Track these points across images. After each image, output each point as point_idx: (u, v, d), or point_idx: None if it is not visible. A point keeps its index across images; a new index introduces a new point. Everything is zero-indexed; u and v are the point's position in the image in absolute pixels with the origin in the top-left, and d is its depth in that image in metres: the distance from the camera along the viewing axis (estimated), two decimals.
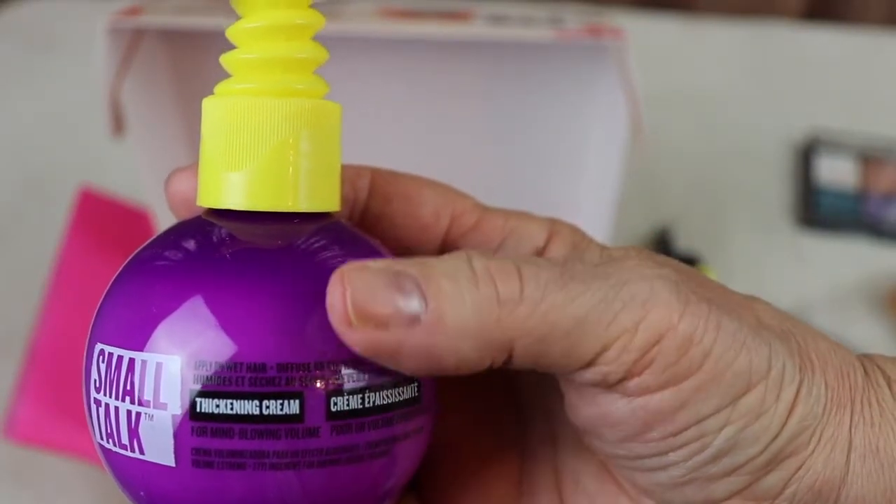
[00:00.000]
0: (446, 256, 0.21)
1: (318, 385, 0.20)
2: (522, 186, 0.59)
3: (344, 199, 0.24)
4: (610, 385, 0.21)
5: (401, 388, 0.21)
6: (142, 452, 0.20)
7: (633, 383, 0.21)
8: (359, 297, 0.20)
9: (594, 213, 0.54)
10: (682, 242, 0.67)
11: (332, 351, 0.20)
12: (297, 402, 0.20)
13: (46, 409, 0.50)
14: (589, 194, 0.56)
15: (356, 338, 0.20)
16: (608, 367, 0.20)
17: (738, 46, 0.86)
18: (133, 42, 0.49)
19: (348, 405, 0.20)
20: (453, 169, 0.60)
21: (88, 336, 0.22)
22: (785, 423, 0.21)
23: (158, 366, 0.20)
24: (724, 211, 0.70)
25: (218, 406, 0.19)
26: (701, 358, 0.20)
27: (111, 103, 0.47)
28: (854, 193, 0.71)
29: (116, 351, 0.20)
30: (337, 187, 0.23)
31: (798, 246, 0.68)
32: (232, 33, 0.22)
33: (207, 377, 0.19)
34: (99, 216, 0.56)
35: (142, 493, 0.21)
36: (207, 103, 0.23)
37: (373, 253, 0.23)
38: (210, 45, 0.53)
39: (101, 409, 0.21)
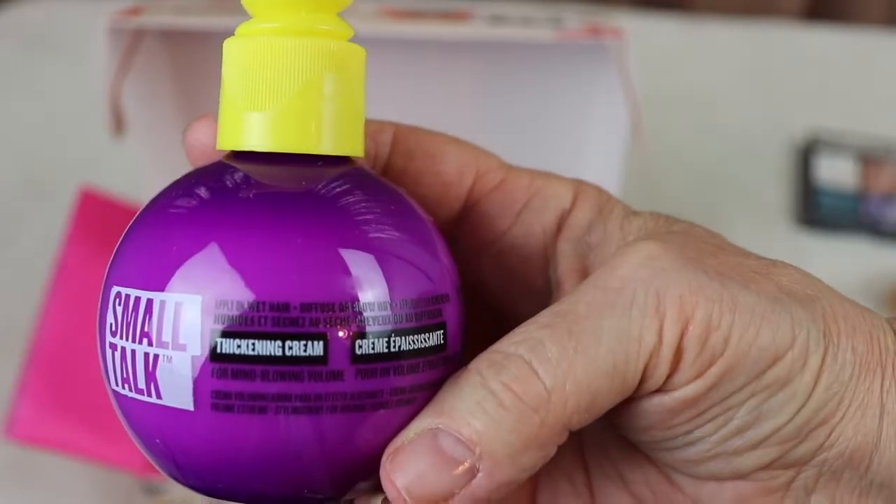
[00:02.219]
0: (459, 387, 0.20)
1: (343, 327, 0.19)
2: None
3: (366, 154, 0.23)
4: (651, 393, 0.21)
5: (427, 335, 0.21)
6: (159, 397, 0.20)
7: (668, 384, 0.20)
8: (413, 489, 0.19)
9: None
10: None
11: (357, 293, 0.20)
12: (321, 343, 0.19)
13: (46, 409, 0.50)
14: None
15: None
16: (649, 382, 0.20)
17: (738, 46, 0.86)
18: (133, 42, 0.49)
19: (373, 348, 0.20)
20: None
21: (104, 280, 0.21)
22: (812, 392, 0.20)
23: (178, 306, 0.19)
24: (724, 211, 0.70)
25: (239, 346, 0.19)
26: (722, 343, 0.20)
27: (111, 103, 0.47)
28: (854, 193, 0.71)
29: (134, 292, 0.20)
30: (361, 132, 0.22)
31: (798, 246, 0.68)
32: None
33: (229, 317, 0.19)
34: (99, 216, 0.56)
35: (157, 441, 0.20)
36: (229, 44, 0.22)
37: (397, 199, 0.22)
38: (210, 45, 0.53)
39: (118, 354, 0.20)
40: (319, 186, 0.21)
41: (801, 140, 0.76)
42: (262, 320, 0.19)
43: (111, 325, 0.20)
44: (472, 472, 0.19)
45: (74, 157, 0.73)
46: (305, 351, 0.19)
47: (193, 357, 0.19)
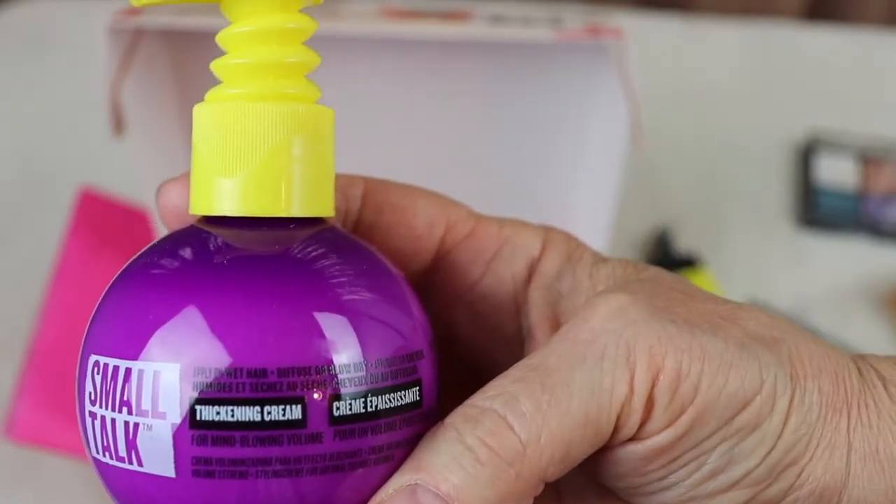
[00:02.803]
0: (436, 442, 0.20)
1: (320, 390, 0.20)
2: (522, 186, 0.59)
3: (336, 209, 0.24)
4: (623, 443, 0.21)
5: (402, 392, 0.21)
6: (140, 464, 0.20)
7: (641, 432, 0.21)
8: None
9: (594, 213, 0.54)
10: (682, 242, 0.67)
11: (332, 356, 0.20)
12: (299, 407, 0.19)
13: (46, 409, 0.50)
14: (589, 194, 0.56)
15: None
16: (621, 432, 0.21)
17: (738, 46, 0.86)
18: (133, 42, 0.49)
19: (350, 409, 0.20)
20: (453, 169, 0.60)
21: (81, 349, 0.21)
22: (780, 435, 0.21)
23: (156, 374, 0.19)
24: (724, 211, 0.70)
25: (218, 413, 0.19)
26: (692, 391, 0.20)
27: (111, 103, 0.47)
28: (854, 193, 0.71)
29: (112, 361, 0.20)
30: (331, 192, 0.23)
31: (798, 246, 0.68)
32: (222, 38, 0.22)
33: (207, 384, 0.19)
34: (99, 216, 0.56)
35: None
36: (198, 110, 0.22)
37: (369, 258, 0.22)
38: (210, 45, 0.53)
39: (97, 422, 0.20)
40: (292, 250, 0.21)
41: (801, 140, 0.76)
42: (240, 386, 0.19)
43: (90, 393, 0.21)
44: None
45: (74, 157, 0.73)
46: (284, 415, 0.19)
47: (173, 425, 0.19)
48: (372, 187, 0.25)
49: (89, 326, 0.22)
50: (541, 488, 0.20)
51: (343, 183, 0.24)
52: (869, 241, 0.68)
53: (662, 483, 0.21)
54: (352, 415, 0.20)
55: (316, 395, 0.20)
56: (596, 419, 0.20)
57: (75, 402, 0.22)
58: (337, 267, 0.21)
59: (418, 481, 0.20)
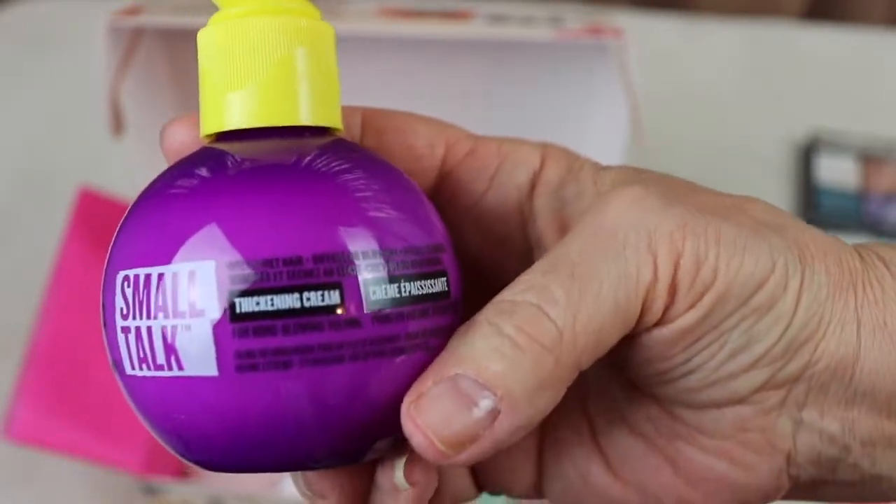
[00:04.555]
0: (472, 336, 0.21)
1: (355, 275, 0.20)
2: None
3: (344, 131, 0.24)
4: (651, 327, 0.22)
5: (432, 281, 0.21)
6: (181, 368, 0.20)
7: (666, 316, 0.21)
8: (440, 431, 0.20)
9: None
10: None
11: (364, 242, 0.20)
12: (336, 292, 0.19)
13: (46, 409, 0.50)
14: None
15: (461, 460, 0.20)
16: (647, 316, 0.21)
17: (738, 46, 0.86)
18: (133, 42, 0.49)
19: (386, 294, 0.20)
20: None
21: (105, 270, 0.21)
22: (795, 312, 0.22)
23: (191, 274, 0.19)
24: None
25: (258, 304, 0.19)
26: (712, 274, 0.21)
27: (111, 103, 0.47)
28: (855, 193, 0.71)
29: (143, 270, 0.20)
30: (338, 106, 0.23)
31: None
32: None
33: (244, 276, 0.19)
34: (98, 216, 0.56)
35: (182, 417, 0.20)
36: (203, 33, 0.23)
37: (383, 164, 0.23)
38: None
39: (132, 336, 0.20)
40: (311, 153, 0.21)
41: (801, 140, 0.76)
42: (278, 275, 0.19)
43: (121, 309, 0.20)
44: (495, 414, 0.20)
45: (74, 157, 0.73)
46: (323, 300, 0.19)
47: (213, 321, 0.19)
48: (370, 114, 0.25)
49: (112, 248, 0.21)
50: (575, 376, 0.21)
51: (342, 114, 0.24)
52: (870, 241, 0.68)
53: (687, 366, 0.22)
54: (387, 299, 0.20)
55: (352, 280, 0.20)
56: (625, 305, 0.21)
57: (101, 325, 0.21)
58: (356, 168, 0.21)
59: (460, 371, 0.20)
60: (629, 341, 0.22)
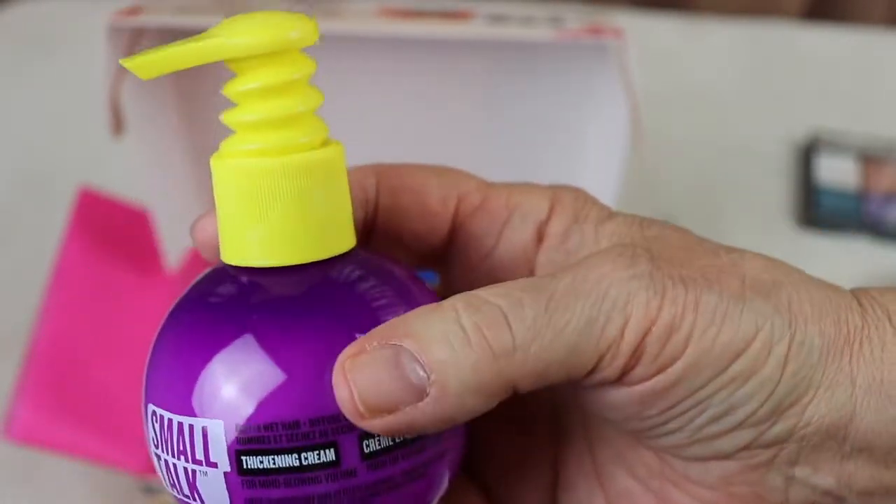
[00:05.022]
0: (432, 316, 0.21)
1: (350, 432, 0.21)
2: None
3: (356, 201, 0.25)
4: (607, 384, 0.22)
5: None
6: (203, 503, 0.22)
7: (627, 378, 0.22)
8: (365, 391, 0.21)
9: None
10: None
11: None
12: (332, 450, 0.21)
13: (46, 409, 0.50)
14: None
15: (372, 426, 0.21)
16: (603, 373, 0.22)
17: (738, 46, 0.86)
18: (133, 42, 0.49)
19: (380, 444, 0.22)
20: None
21: (142, 392, 0.23)
22: (779, 380, 0.21)
23: (204, 430, 0.22)
24: (724, 211, 0.70)
25: (261, 462, 0.21)
26: (684, 342, 0.21)
27: (111, 103, 0.47)
28: (855, 193, 0.71)
29: (166, 414, 0.22)
30: (350, 225, 0.24)
31: (798, 246, 0.68)
32: (229, 92, 0.23)
33: (248, 438, 0.21)
34: (99, 216, 0.56)
35: None
36: (216, 164, 0.23)
37: (390, 286, 0.23)
38: None
39: (163, 464, 0.23)
40: (315, 292, 0.23)
41: (801, 140, 0.76)
42: (277, 438, 0.21)
43: (153, 438, 0.23)
44: (421, 394, 0.20)
45: (74, 157, 0.73)
46: (319, 458, 0.21)
47: (225, 472, 0.21)
48: (384, 174, 0.26)
49: (146, 372, 0.24)
50: (508, 394, 0.21)
51: (357, 176, 0.25)
52: (870, 241, 0.68)
53: (665, 427, 0.22)
54: (382, 448, 0.22)
55: (346, 438, 0.21)
56: (581, 350, 0.21)
57: (147, 442, 0.24)
58: (356, 310, 0.22)
59: (405, 345, 0.20)
60: (597, 394, 0.22)
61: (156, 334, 0.24)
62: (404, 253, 0.26)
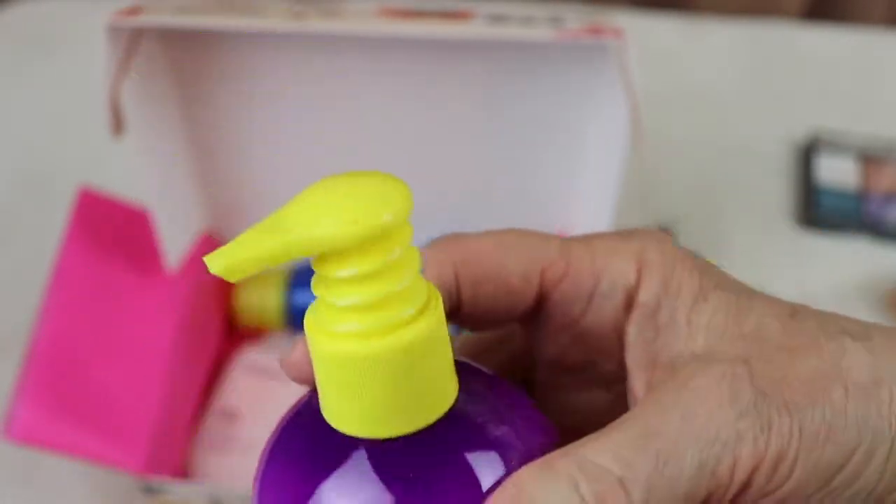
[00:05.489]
0: (548, 483, 0.21)
1: None
2: (522, 186, 0.59)
3: (441, 291, 0.25)
4: None
5: None
6: None
7: (735, 502, 0.22)
8: None
9: (594, 213, 0.54)
10: (683, 242, 0.67)
11: None
12: None
13: (46, 409, 0.50)
14: (589, 194, 0.56)
15: None
16: (711, 502, 0.22)
17: (738, 46, 0.86)
18: (133, 42, 0.49)
19: None
20: (452, 168, 0.60)
21: (253, 493, 0.23)
22: (880, 479, 0.23)
23: None
24: (725, 211, 0.70)
25: None
26: (789, 469, 0.22)
27: (111, 103, 0.47)
28: (855, 193, 0.71)
29: None
30: (452, 379, 0.23)
31: (799, 246, 0.68)
32: (320, 271, 0.21)
33: None
34: (98, 216, 0.56)
35: None
36: (311, 332, 0.22)
37: (488, 441, 0.23)
38: (210, 45, 0.53)
39: None
40: (418, 470, 0.22)
41: (801, 140, 0.76)
42: None
43: None
44: None
45: (74, 157, 0.73)
46: None
47: None
48: (462, 264, 0.25)
49: (258, 475, 0.23)
50: None
51: (434, 273, 0.25)
52: (870, 241, 0.68)
53: None
54: None
55: None
56: (693, 495, 0.22)
57: None
58: (455, 474, 0.22)
59: None
60: None
61: (264, 457, 0.23)
62: (490, 325, 0.26)
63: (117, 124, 0.48)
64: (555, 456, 0.22)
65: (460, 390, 0.23)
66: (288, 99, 0.54)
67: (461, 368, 0.24)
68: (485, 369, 0.25)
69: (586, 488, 0.21)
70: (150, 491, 0.50)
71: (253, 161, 0.58)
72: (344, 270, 0.20)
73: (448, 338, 0.22)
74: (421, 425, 0.22)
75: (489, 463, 0.22)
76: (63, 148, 0.75)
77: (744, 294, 0.25)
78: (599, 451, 0.22)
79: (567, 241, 0.26)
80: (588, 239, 0.26)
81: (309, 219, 0.20)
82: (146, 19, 0.45)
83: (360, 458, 0.22)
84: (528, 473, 0.21)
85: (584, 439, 0.22)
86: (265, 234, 0.20)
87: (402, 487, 0.21)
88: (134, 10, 0.46)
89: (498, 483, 0.22)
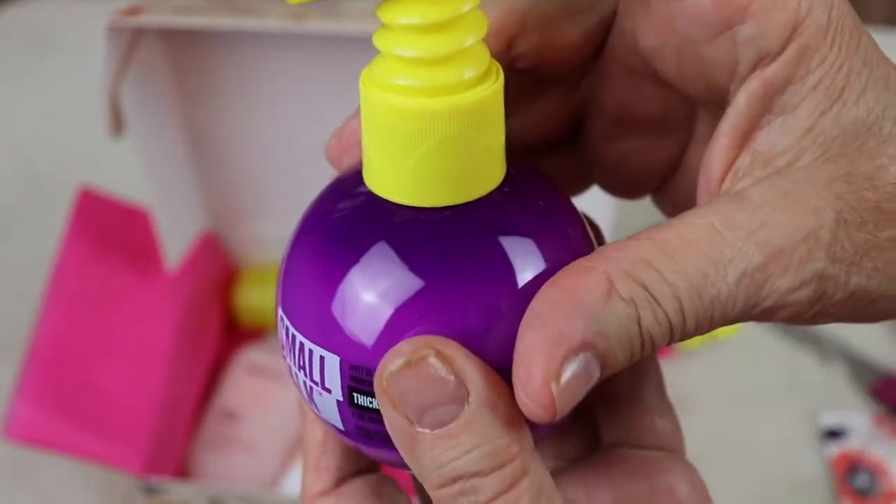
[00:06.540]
0: (614, 314, 0.19)
1: None
2: None
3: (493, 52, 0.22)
4: None
5: None
6: (318, 412, 0.22)
7: None
8: (566, 400, 0.19)
9: (594, 213, 0.54)
10: None
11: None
12: None
13: (46, 409, 0.50)
14: (589, 194, 0.56)
15: (556, 419, 0.20)
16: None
17: None
18: (133, 42, 0.49)
19: None
20: None
21: (277, 289, 0.23)
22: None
23: (322, 358, 0.21)
24: None
25: (371, 402, 0.21)
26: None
27: (111, 103, 0.47)
28: None
29: (292, 328, 0.22)
30: (501, 162, 0.22)
31: None
32: (384, 16, 0.20)
33: (361, 379, 0.21)
34: (98, 216, 0.56)
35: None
36: (365, 87, 0.21)
37: (536, 228, 0.22)
38: (210, 45, 0.53)
39: (286, 366, 0.23)
40: (456, 241, 0.21)
41: None
42: None
43: (282, 341, 0.23)
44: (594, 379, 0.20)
45: (73, 157, 0.73)
46: None
47: (338, 401, 0.21)
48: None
49: (281, 270, 0.23)
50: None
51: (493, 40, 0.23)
52: None
53: None
54: None
55: None
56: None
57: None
58: (496, 265, 0.21)
59: (595, 357, 0.19)
60: None
61: (297, 228, 0.23)
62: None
63: (117, 124, 0.48)
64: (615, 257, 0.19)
65: (507, 178, 0.22)
66: (288, 99, 0.54)
67: (512, 159, 0.23)
68: (535, 169, 0.24)
69: (645, 320, 0.19)
70: (150, 491, 0.50)
71: (253, 161, 0.58)
72: (410, 17, 0.20)
73: (503, 117, 0.22)
74: (463, 199, 0.21)
75: (526, 253, 0.21)
76: (63, 148, 0.75)
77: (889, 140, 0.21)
78: (663, 271, 0.19)
79: None
80: None
81: None
82: (146, 19, 0.45)
83: (398, 226, 0.21)
84: (583, 290, 0.19)
85: (645, 242, 0.19)
86: None
87: (436, 258, 0.21)
88: (134, 10, 0.46)
89: (538, 277, 0.21)
